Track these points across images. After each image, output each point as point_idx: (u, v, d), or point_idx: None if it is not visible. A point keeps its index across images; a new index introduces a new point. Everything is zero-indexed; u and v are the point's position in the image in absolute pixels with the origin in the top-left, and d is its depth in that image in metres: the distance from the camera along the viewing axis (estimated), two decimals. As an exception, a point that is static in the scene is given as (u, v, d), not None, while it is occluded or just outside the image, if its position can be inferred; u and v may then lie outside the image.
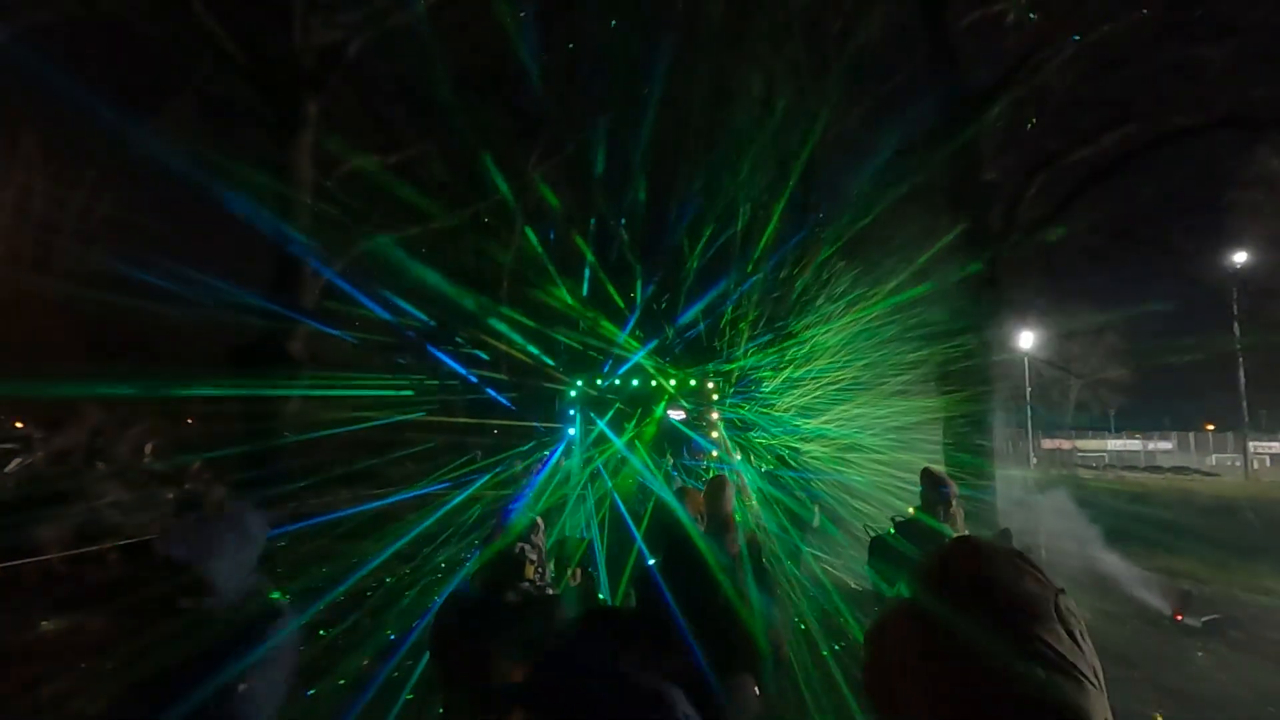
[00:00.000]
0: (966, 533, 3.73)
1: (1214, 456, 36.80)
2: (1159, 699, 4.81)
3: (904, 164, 12.49)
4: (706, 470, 8.85)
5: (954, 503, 3.82)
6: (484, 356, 10.57)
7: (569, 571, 2.91)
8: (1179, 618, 7.28)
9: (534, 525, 2.01)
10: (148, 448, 11.13)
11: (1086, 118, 9.38)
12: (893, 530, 4.06)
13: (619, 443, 8.26)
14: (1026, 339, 26.08)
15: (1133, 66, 9.11)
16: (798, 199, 12.27)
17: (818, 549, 8.07)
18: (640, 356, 8.91)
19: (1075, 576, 8.54)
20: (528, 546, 1.95)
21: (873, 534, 4.28)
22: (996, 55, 9.20)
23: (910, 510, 4.32)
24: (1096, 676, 0.66)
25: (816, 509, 9.80)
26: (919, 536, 3.77)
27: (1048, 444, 36.06)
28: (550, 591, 1.96)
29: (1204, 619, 7.20)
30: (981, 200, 8.32)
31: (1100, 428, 40.51)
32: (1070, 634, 0.67)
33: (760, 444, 9.13)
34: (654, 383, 8.60)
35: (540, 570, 1.95)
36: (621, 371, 8.69)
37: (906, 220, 12.00)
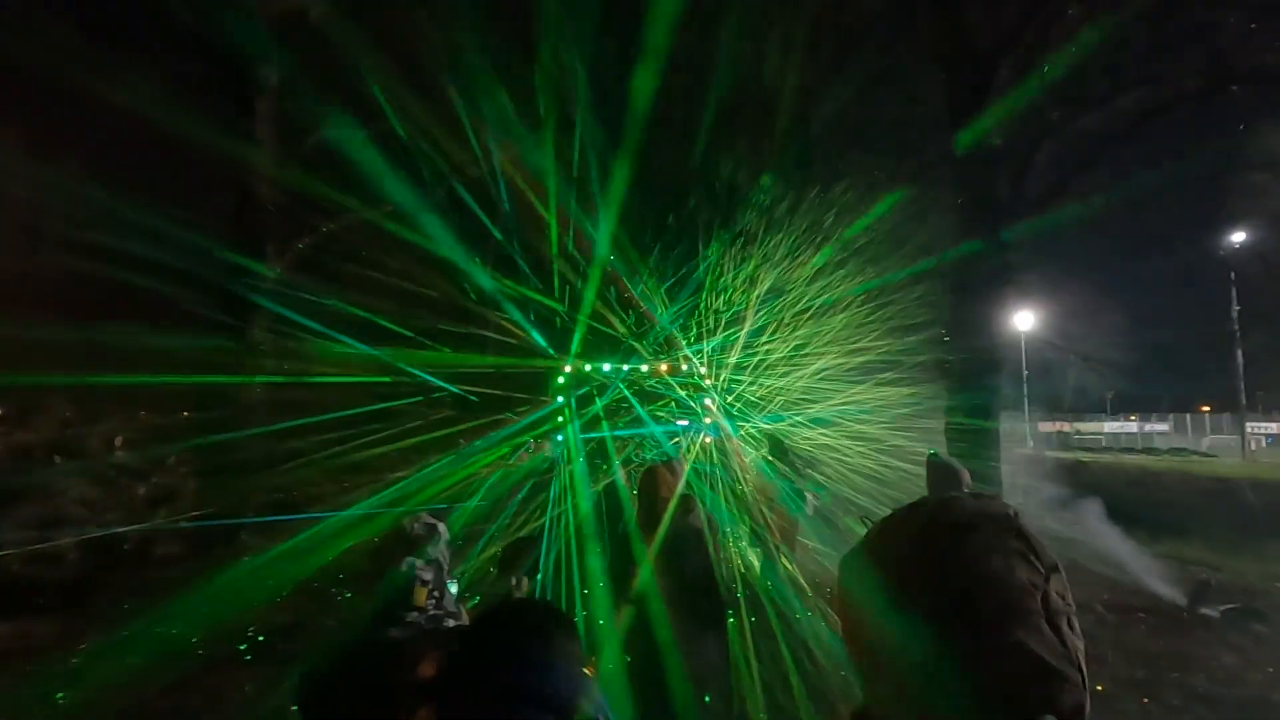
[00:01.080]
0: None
1: (1210, 438, 36.70)
2: (1188, 705, 4.38)
3: (903, 138, 11.99)
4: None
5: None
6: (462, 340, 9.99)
7: (514, 580, 2.43)
8: (1199, 609, 6.88)
9: (430, 533, 1.51)
10: (117, 440, 10.58)
11: (1096, 83, 8.84)
12: None
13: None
14: (1025, 319, 25.69)
15: (1143, 31, 8.59)
16: (792, 177, 11.72)
17: (816, 540, 7.61)
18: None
19: (1084, 564, 8.17)
20: (420, 564, 1.45)
21: (870, 524, 3.81)
22: (1001, 18, 8.64)
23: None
24: (1080, 671, 0.63)
25: (810, 497, 9.36)
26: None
27: (1045, 426, 35.83)
28: (453, 621, 1.46)
29: (1222, 609, 6.81)
30: (987, 169, 7.80)
31: (1097, 410, 40.36)
32: (1056, 629, 0.63)
33: (752, 430, 8.67)
34: (638, 365, 8.13)
35: (437, 593, 1.45)
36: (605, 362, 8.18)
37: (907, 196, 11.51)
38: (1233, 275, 28.91)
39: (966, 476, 3.54)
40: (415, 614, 1.39)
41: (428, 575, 1.44)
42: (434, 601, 1.43)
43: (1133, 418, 41.72)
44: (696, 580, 3.09)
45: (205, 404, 8.04)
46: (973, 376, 7.45)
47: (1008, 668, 0.60)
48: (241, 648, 5.26)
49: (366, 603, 1.43)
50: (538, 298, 8.42)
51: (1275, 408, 37.39)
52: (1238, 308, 29.24)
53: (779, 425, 8.61)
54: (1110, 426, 38.31)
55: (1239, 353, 29.49)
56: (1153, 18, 8.05)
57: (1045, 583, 0.65)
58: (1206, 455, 30.53)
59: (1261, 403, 36.48)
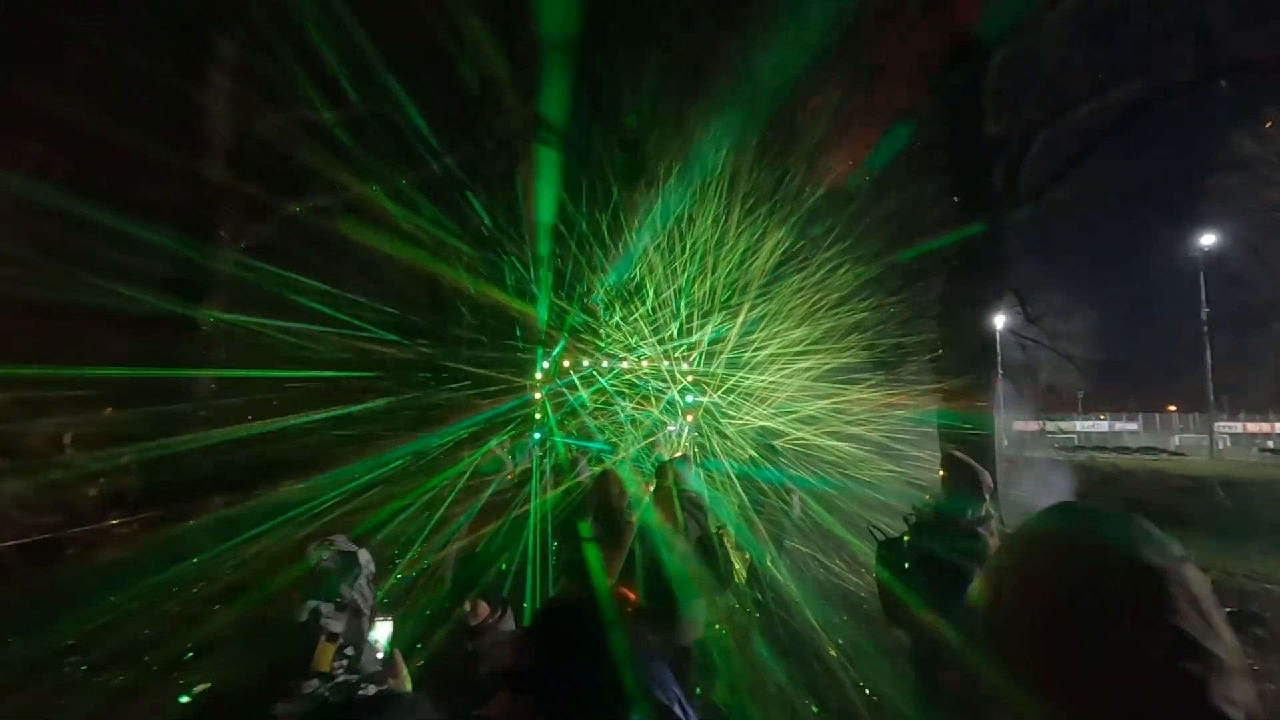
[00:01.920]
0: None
1: (1178, 436, 37.53)
2: None
3: (894, 133, 11.74)
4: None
5: (989, 497, 3.00)
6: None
7: (469, 606, 1.99)
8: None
9: (345, 565, 1.08)
10: (66, 438, 9.82)
11: (1089, 75, 8.68)
12: (908, 534, 3.19)
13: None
14: (998, 316, 25.78)
15: (1135, 24, 8.47)
16: (777, 173, 11.40)
17: (809, 549, 7.30)
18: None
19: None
20: (327, 609, 1.02)
21: (880, 536, 3.44)
22: (994, 9, 8.41)
23: (926, 499, 3.54)
24: (1232, 654, 0.62)
25: (796, 498, 9.02)
26: (949, 536, 2.93)
27: (1018, 425, 36.25)
28: (375, 687, 1.03)
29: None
30: (982, 160, 7.55)
31: (1068, 409, 41.02)
32: (1198, 610, 0.62)
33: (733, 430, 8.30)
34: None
35: (351, 651, 1.02)
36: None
37: (896, 189, 11.25)
38: (1202, 277, 29.52)
39: (989, 479, 3.28)
40: (314, 682, 0.96)
41: (337, 625, 1.01)
42: (344, 664, 1.00)
43: (1103, 416, 42.50)
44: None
45: (146, 399, 7.39)
46: (965, 372, 7.19)
47: (1154, 648, 0.59)
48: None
49: (247, 662, 1.00)
50: (508, 298, 7.90)
51: (1239, 408, 38.42)
52: (1206, 309, 29.85)
53: (766, 425, 8.28)
54: (1081, 425, 38.95)
55: (1208, 354, 30.07)
56: (1147, 6, 7.89)
57: (1178, 566, 0.64)
58: (1176, 454, 31.13)
59: (1227, 403, 37.45)
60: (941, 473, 3.14)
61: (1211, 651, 0.60)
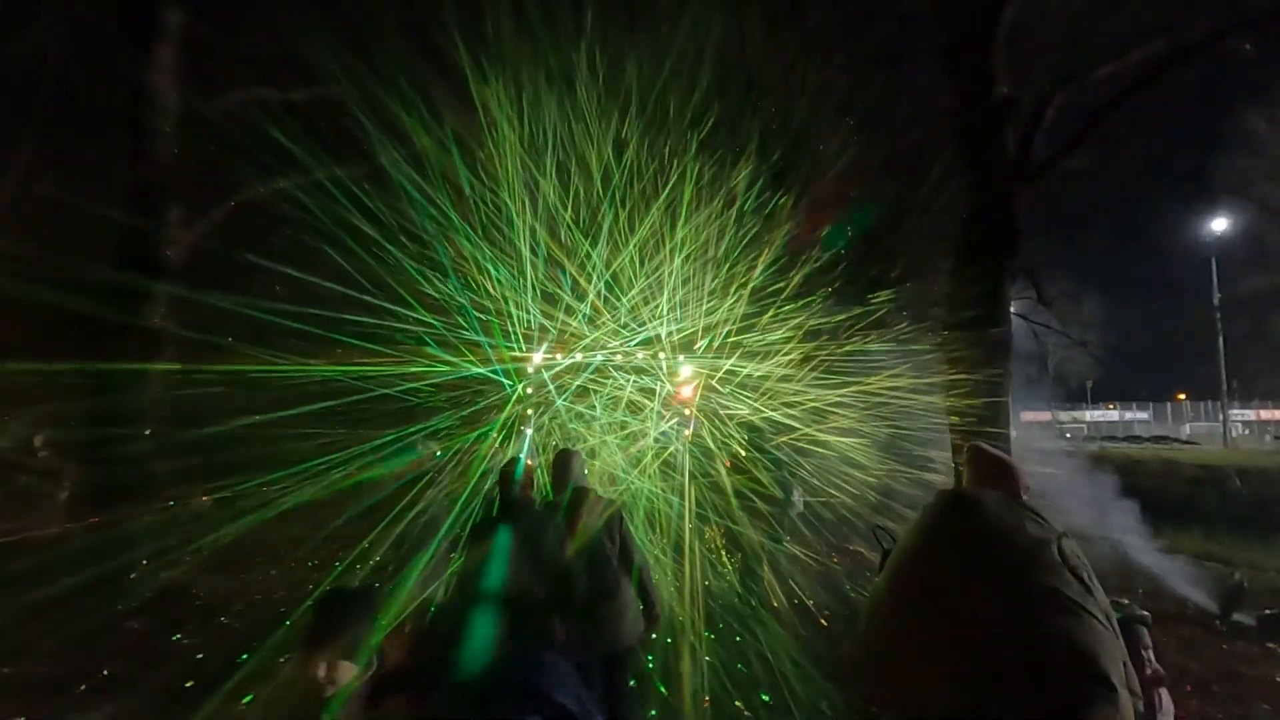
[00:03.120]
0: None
1: (1189, 425, 36.84)
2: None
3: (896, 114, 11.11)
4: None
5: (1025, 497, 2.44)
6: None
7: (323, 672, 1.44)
8: (1233, 616, 6.12)
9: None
10: (37, 439, 9.28)
11: (1108, 34, 8.03)
12: None
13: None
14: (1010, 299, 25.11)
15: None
16: (770, 159, 10.81)
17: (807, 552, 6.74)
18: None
19: (1100, 568, 7.40)
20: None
21: (887, 541, 2.87)
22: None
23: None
24: (1109, 620, 0.67)
25: (798, 491, 8.47)
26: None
27: (1028, 416, 35.60)
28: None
29: (1258, 615, 6.06)
30: (994, 124, 6.92)
31: (1076, 399, 40.30)
32: (1078, 577, 0.67)
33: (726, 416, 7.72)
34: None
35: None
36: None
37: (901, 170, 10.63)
38: (1215, 263, 28.77)
39: (1024, 474, 2.84)
40: None
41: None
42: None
43: (1112, 406, 41.83)
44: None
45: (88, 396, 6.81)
46: (978, 361, 6.58)
47: (1039, 609, 0.62)
48: None
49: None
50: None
51: (1250, 395, 37.64)
52: (1219, 295, 29.11)
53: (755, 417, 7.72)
54: (1091, 415, 38.27)
55: (1220, 341, 29.36)
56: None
57: (1058, 540, 0.70)
58: (1188, 443, 30.51)
59: (1237, 390, 36.73)
60: (963, 468, 2.59)
61: (1089, 612, 0.65)
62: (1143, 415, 38.02)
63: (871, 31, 11.22)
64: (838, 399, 7.99)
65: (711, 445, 7.47)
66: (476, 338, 6.94)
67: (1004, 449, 6.52)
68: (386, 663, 1.56)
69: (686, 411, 8.91)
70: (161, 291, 6.88)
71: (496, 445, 6.51)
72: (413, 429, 6.24)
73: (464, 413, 7.04)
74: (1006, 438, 6.69)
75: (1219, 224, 28.66)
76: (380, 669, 1.55)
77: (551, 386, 7.22)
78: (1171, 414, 37.48)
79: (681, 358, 7.94)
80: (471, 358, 7.02)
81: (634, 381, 7.24)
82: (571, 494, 3.37)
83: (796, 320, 7.74)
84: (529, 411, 7.27)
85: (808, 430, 7.43)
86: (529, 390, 7.33)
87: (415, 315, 7.00)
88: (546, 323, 7.13)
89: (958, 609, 0.63)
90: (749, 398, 7.74)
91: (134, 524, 6.51)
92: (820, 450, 7.45)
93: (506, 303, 7.03)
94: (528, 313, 7.02)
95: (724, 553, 7.32)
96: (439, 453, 4.91)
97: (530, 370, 7.31)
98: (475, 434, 6.94)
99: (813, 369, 7.95)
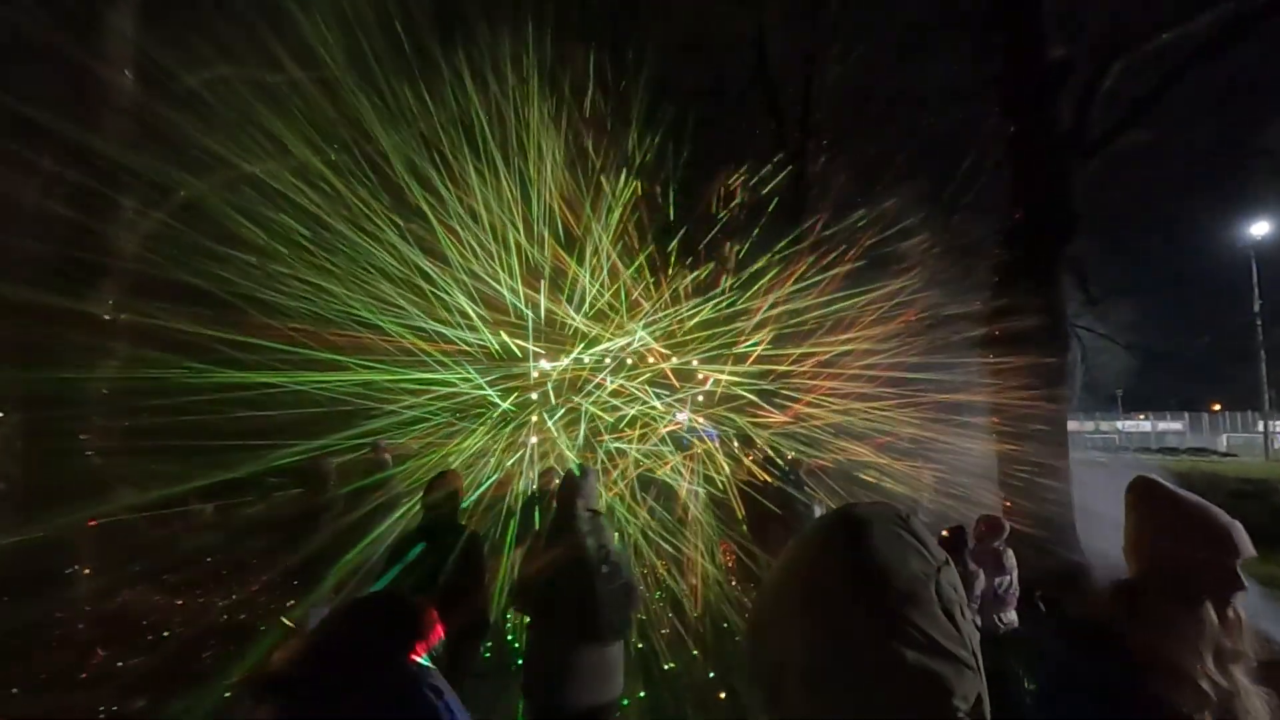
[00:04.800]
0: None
1: (1225, 436, 35.19)
2: None
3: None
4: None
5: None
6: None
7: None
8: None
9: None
10: None
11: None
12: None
13: None
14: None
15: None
16: (794, 150, 10.08)
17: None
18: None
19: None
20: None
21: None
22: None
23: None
24: (975, 657, 0.66)
25: (820, 507, 7.61)
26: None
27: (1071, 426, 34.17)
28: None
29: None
30: (1046, 92, 6.04)
31: (1106, 408, 38.76)
32: (949, 615, 0.67)
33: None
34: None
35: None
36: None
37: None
38: (1255, 268, 27.37)
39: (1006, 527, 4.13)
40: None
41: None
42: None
43: (1142, 416, 40.25)
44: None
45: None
46: (1032, 356, 5.68)
47: (906, 651, 0.62)
48: None
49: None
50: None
51: (1287, 405, 35.92)
52: (1260, 301, 27.69)
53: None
54: (1124, 425, 36.74)
55: (1262, 350, 27.89)
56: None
57: (936, 574, 0.67)
58: (1227, 455, 28.96)
59: (1275, 401, 35.05)
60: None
61: (955, 656, 0.64)
62: (1176, 426, 36.37)
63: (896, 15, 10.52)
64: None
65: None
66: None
67: (1061, 462, 5.62)
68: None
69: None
70: (109, 287, 6.20)
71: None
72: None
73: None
74: (1065, 450, 5.77)
75: (1260, 227, 27.26)
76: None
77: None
78: (1209, 425, 35.82)
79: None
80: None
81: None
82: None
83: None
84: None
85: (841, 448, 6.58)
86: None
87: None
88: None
89: (835, 645, 0.63)
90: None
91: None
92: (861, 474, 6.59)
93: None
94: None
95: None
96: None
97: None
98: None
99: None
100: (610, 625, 2.83)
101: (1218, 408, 38.85)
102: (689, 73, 10.40)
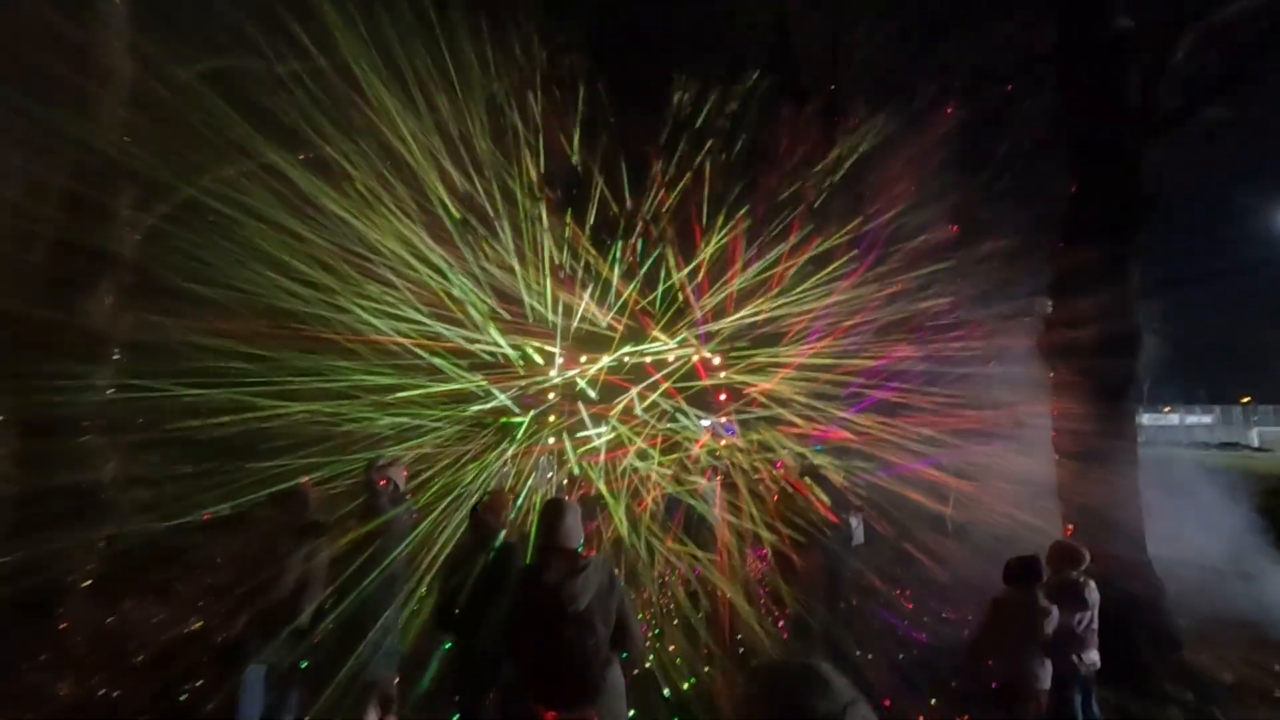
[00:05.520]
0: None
1: (1256, 430, 34.10)
2: None
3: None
4: None
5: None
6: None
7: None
8: None
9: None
10: None
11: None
12: None
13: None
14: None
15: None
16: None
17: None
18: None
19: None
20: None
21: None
22: None
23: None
24: None
25: (858, 520, 7.14)
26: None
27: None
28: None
29: None
30: (1112, 66, 5.49)
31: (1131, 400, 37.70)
32: None
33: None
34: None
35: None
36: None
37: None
38: (1291, 252, 26.35)
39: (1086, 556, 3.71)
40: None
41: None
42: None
43: (1168, 409, 39.18)
44: None
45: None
46: (1098, 357, 5.16)
47: None
48: None
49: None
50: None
51: (1321, 397, 34.82)
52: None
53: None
54: (1149, 419, 35.76)
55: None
56: None
57: (843, 712, 0.78)
58: (1261, 449, 28.03)
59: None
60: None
61: None
62: (1206, 419, 35.32)
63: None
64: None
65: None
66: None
67: (1130, 468, 5.09)
68: None
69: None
70: (102, 291, 5.83)
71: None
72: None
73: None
74: (1134, 453, 5.23)
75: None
76: None
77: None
78: (1241, 418, 34.74)
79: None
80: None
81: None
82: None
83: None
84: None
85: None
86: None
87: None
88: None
89: None
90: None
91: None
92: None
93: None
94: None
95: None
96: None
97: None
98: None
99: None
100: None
101: (1246, 400, 37.71)
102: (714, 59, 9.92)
